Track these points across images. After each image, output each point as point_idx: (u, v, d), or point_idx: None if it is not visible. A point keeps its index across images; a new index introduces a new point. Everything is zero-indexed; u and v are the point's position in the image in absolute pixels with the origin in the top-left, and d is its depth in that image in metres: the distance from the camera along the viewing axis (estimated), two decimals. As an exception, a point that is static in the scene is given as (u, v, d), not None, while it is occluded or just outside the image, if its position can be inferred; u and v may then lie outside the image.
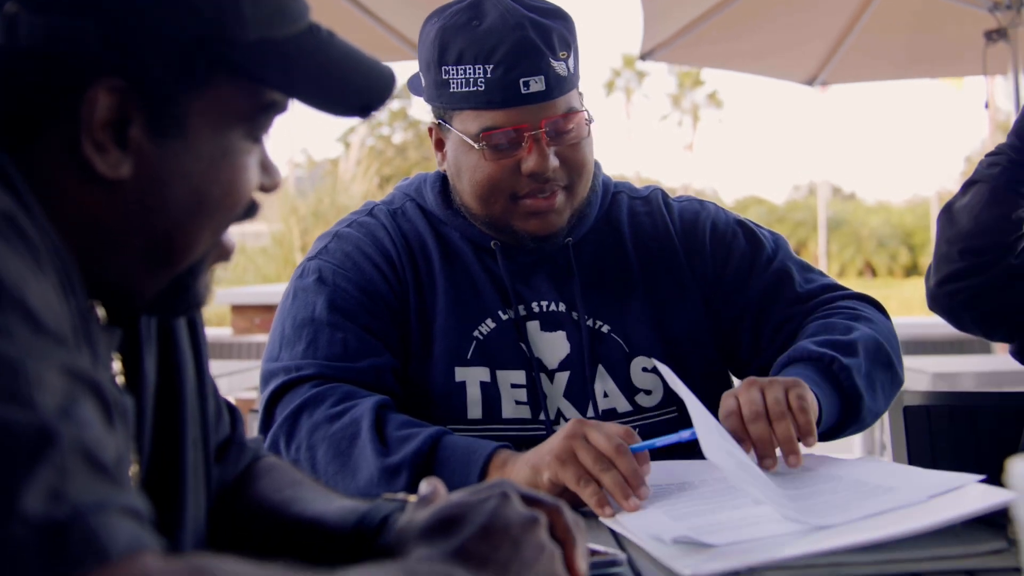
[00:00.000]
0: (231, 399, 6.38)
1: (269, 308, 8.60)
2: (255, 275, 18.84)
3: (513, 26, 1.86)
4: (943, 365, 5.04)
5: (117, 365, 1.10)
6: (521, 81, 1.85)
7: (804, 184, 65.31)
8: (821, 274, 2.16)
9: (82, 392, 0.79)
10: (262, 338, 6.44)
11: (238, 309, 8.66)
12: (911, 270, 45.82)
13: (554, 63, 1.88)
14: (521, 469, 1.63)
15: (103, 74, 0.94)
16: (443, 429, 1.77)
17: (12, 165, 0.92)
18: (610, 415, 1.95)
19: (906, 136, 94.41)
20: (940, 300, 2.31)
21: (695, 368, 2.01)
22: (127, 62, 0.95)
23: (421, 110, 51.04)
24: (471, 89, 1.88)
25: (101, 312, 1.06)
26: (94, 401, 0.80)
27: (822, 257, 45.11)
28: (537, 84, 1.86)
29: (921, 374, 4.78)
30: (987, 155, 2.31)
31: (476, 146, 1.90)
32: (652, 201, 2.16)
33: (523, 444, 1.74)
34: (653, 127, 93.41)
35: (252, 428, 3.83)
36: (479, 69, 1.86)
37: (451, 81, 1.90)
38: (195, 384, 1.24)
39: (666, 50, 6.32)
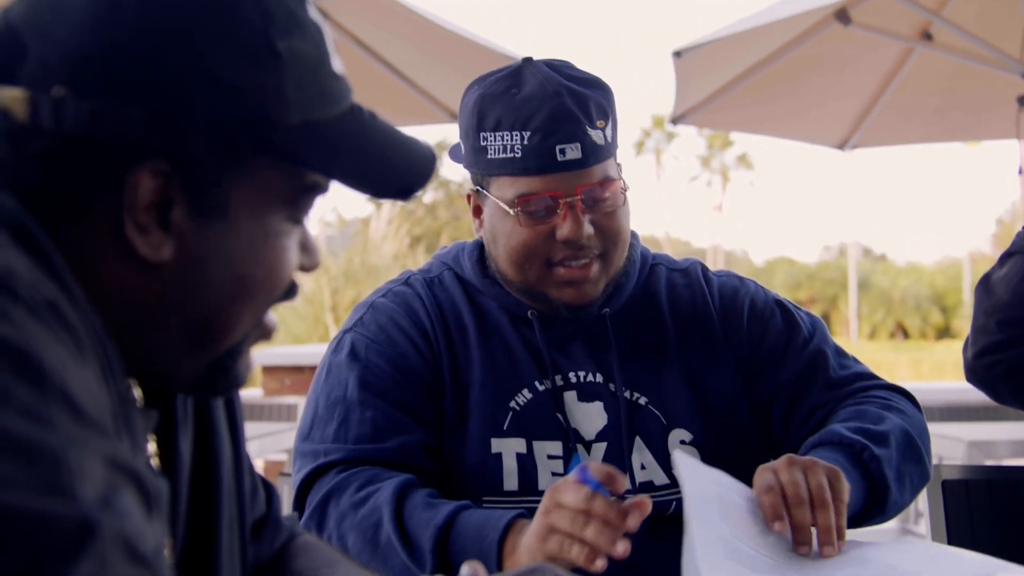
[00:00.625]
0: (261, 461, 6.39)
1: (299, 369, 8.62)
2: (285, 334, 18.92)
3: (551, 94, 1.87)
4: (979, 432, 4.99)
5: (153, 446, 1.09)
6: (557, 148, 1.85)
7: (834, 245, 65.32)
8: (856, 361, 2.14)
9: (122, 482, 0.78)
10: (292, 399, 6.44)
11: (268, 370, 8.67)
12: (943, 332, 45.57)
13: (591, 131, 1.88)
14: (523, 557, 1.62)
15: (147, 157, 0.94)
16: (462, 504, 1.76)
17: (55, 247, 0.92)
18: (647, 487, 1.93)
19: (936, 197, 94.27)
20: (978, 372, 2.29)
21: (732, 441, 1.99)
22: (171, 146, 0.95)
23: (451, 170, 51.41)
24: (508, 156, 1.88)
25: (138, 392, 1.06)
26: (134, 491, 0.79)
27: (852, 319, 44.96)
28: (573, 152, 1.86)
29: (957, 442, 4.73)
30: None
31: (511, 212, 1.90)
32: (691, 273, 2.15)
33: None
34: (682, 188, 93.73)
35: (283, 491, 3.82)
36: (516, 136, 1.87)
37: (488, 148, 1.90)
38: (231, 462, 1.23)
39: (697, 114, 6.34)
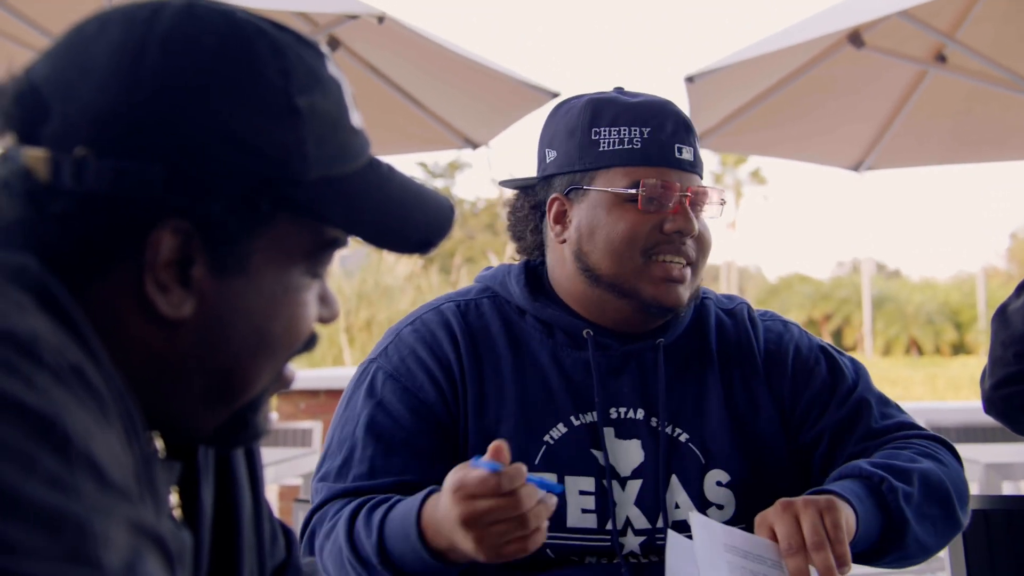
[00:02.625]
0: (276, 487, 6.38)
1: (315, 393, 8.63)
2: (300, 357, 18.95)
3: (663, 103, 2.01)
4: (996, 454, 4.96)
5: (175, 498, 1.10)
6: (675, 146, 1.95)
7: (848, 261, 65.22)
8: (899, 410, 2.14)
9: (146, 547, 0.79)
10: (308, 424, 6.44)
11: (283, 395, 8.66)
12: (958, 348, 45.42)
13: (696, 143, 1.99)
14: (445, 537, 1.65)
15: (168, 216, 0.95)
16: (389, 507, 1.80)
17: (77, 307, 0.92)
18: (680, 527, 1.91)
19: (950, 212, 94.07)
20: (996, 404, 2.29)
21: (769, 484, 1.98)
22: (192, 204, 0.96)
23: (463, 190, 51.34)
24: (626, 147, 1.95)
25: (160, 444, 1.06)
26: (157, 555, 0.80)
27: (867, 335, 44.85)
28: (687, 154, 1.97)
29: (973, 464, 4.69)
30: None
31: (629, 193, 1.94)
32: (738, 315, 2.16)
33: (586, 554, 1.80)
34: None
35: (299, 517, 3.81)
36: (635, 131, 1.95)
37: (602, 141, 1.97)
38: (251, 511, 1.24)
39: (712, 137, 6.34)
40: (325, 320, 1.12)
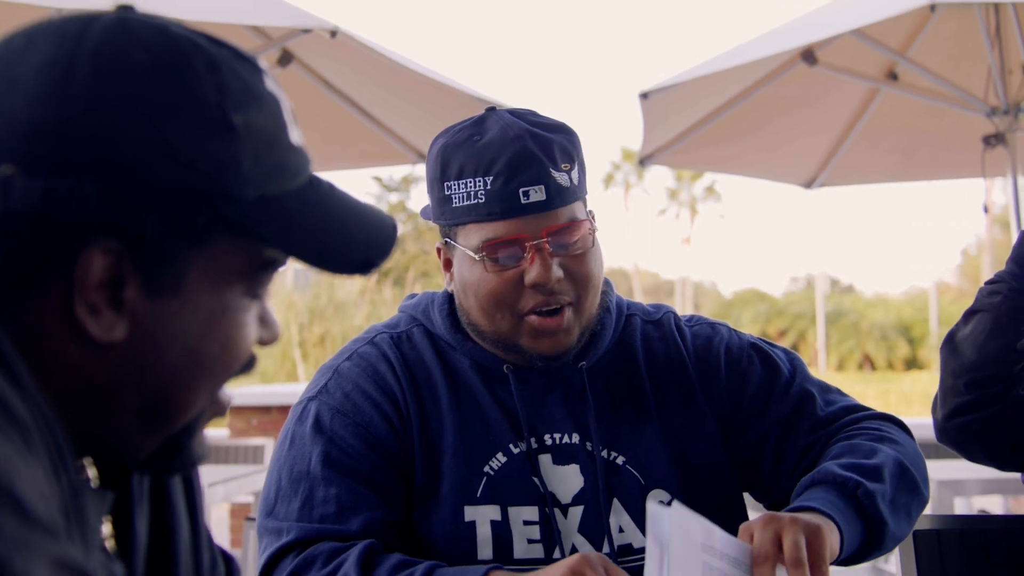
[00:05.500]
0: (227, 505, 6.30)
1: (267, 409, 8.56)
2: (250, 374, 18.79)
3: (512, 138, 1.85)
4: (948, 471, 4.96)
5: (108, 529, 1.06)
6: (521, 191, 1.83)
7: (802, 276, 65.65)
8: (841, 394, 2.11)
9: None
10: (260, 441, 6.37)
11: (235, 411, 8.60)
12: (911, 363, 45.81)
13: (555, 173, 1.85)
14: None
15: (99, 235, 0.91)
16: (433, 564, 1.72)
17: (4, 327, 0.89)
18: (626, 551, 1.89)
19: (903, 229, 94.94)
20: (949, 433, 2.28)
21: (712, 498, 1.95)
22: (124, 222, 0.92)
23: (418, 204, 51.43)
24: (472, 202, 1.85)
25: (93, 473, 1.03)
26: None
27: (821, 350, 45.17)
28: (537, 194, 1.83)
29: (926, 481, 4.70)
30: (987, 283, 2.29)
31: (477, 258, 1.87)
32: (664, 325, 2.11)
33: None
34: (651, 220, 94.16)
35: (249, 536, 3.76)
36: (479, 182, 1.84)
37: (453, 196, 1.88)
38: (189, 539, 1.20)
39: (665, 154, 6.36)
40: (265, 342, 1.09)
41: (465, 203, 1.86)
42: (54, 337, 0.93)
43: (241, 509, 7.58)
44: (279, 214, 1.00)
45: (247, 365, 1.06)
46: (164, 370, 0.98)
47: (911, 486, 1.90)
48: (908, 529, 1.90)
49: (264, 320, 1.08)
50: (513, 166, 1.83)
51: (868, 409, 2.07)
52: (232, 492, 5.36)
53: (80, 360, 0.94)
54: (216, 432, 9.52)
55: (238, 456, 6.33)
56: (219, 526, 7.87)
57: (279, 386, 11.53)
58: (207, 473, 5.25)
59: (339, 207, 1.06)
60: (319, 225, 1.03)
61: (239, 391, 9.03)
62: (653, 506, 1.51)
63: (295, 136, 1.05)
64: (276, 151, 1.01)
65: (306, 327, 17.68)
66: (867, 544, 1.82)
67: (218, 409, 1.07)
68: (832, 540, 1.68)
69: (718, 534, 1.58)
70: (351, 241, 1.05)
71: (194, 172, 0.94)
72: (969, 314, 2.26)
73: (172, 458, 1.05)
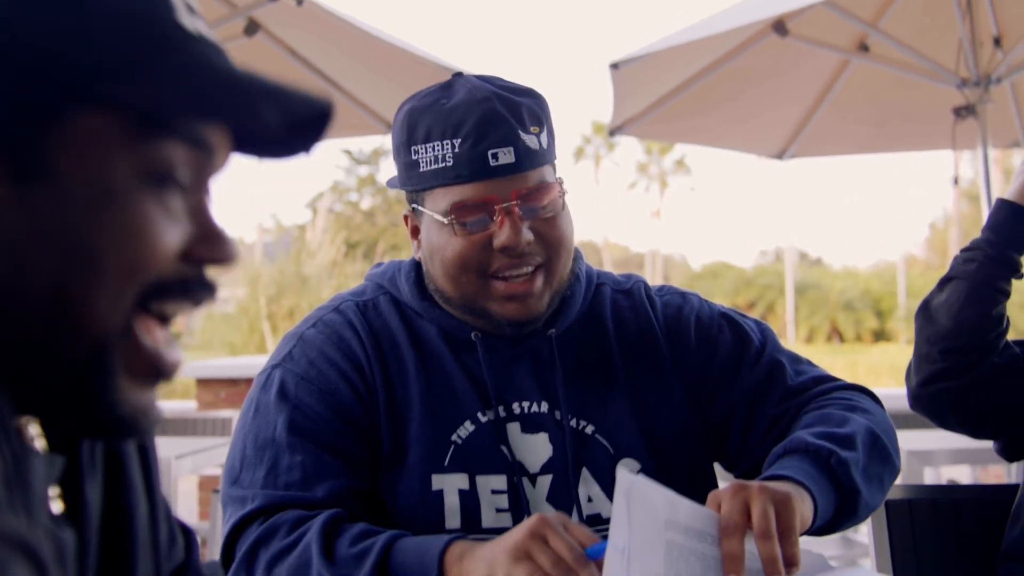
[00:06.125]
0: (195, 477, 6.27)
1: (235, 381, 8.53)
2: (220, 344, 18.71)
3: (480, 100, 1.82)
4: (917, 441, 4.98)
5: (57, 495, 1.01)
6: (489, 153, 1.80)
7: (771, 249, 65.94)
8: (811, 364, 2.10)
9: (13, 560, 0.72)
10: (228, 413, 6.34)
11: (203, 383, 8.57)
12: (879, 335, 46.13)
13: (524, 136, 1.83)
14: (478, 566, 1.56)
15: None
16: (395, 534, 1.69)
17: None
18: (595, 520, 1.87)
19: (871, 202, 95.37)
20: (923, 401, 2.27)
21: (681, 468, 1.94)
22: None
23: (388, 175, 51.29)
24: (440, 166, 1.83)
25: (42, 441, 0.98)
26: (27, 567, 0.73)
27: (790, 323, 45.44)
28: (506, 156, 1.81)
29: (895, 452, 4.71)
30: (962, 250, 2.28)
31: (446, 222, 1.85)
32: (635, 294, 2.09)
33: None
34: (621, 193, 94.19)
35: (217, 509, 3.73)
36: (447, 145, 1.82)
37: (420, 161, 1.85)
38: (147, 512, 1.16)
39: (636, 125, 6.33)
40: (215, 259, 0.95)
41: (432, 167, 1.84)
42: None
43: (209, 481, 7.55)
44: (153, 75, 0.87)
45: (187, 288, 0.93)
46: (46, 267, 0.86)
47: (883, 455, 1.89)
48: (880, 499, 1.89)
49: (205, 231, 0.95)
50: (481, 128, 1.81)
51: (838, 380, 2.06)
52: (200, 464, 5.32)
53: None
54: (184, 404, 9.48)
55: (206, 428, 6.30)
56: (187, 499, 7.84)
57: (247, 358, 11.47)
58: (175, 446, 5.22)
59: (239, 70, 0.90)
60: (210, 81, 0.88)
61: (207, 364, 8.99)
62: (622, 474, 1.48)
63: (188, 20, 0.93)
64: (149, 25, 0.90)
65: (274, 300, 17.59)
66: (840, 513, 1.81)
67: (141, 354, 0.92)
68: (803, 509, 1.66)
69: (684, 506, 1.55)
70: (258, 97, 0.89)
71: (39, 40, 0.85)
72: (944, 281, 2.25)
73: (93, 407, 0.92)
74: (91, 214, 0.87)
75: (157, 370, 0.93)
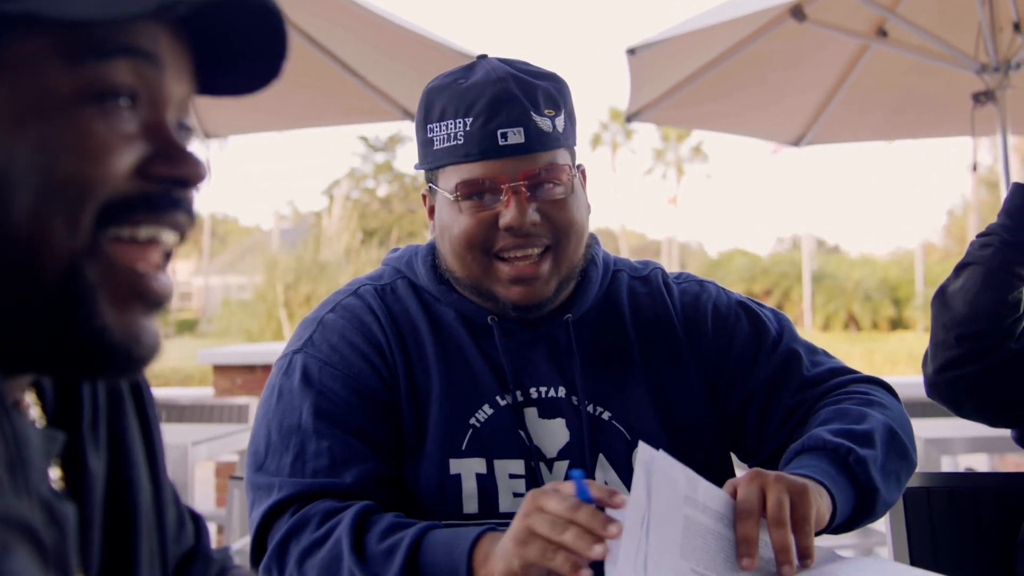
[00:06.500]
0: (212, 464, 6.27)
1: (251, 368, 8.54)
2: (238, 331, 18.77)
3: (496, 80, 1.84)
4: (935, 429, 4.96)
5: (58, 472, 1.00)
6: (499, 132, 1.81)
7: (788, 236, 65.77)
8: (827, 355, 2.09)
9: (14, 540, 0.71)
10: (244, 400, 6.35)
11: (220, 370, 8.58)
12: (896, 323, 45.98)
13: (536, 117, 1.83)
14: (497, 564, 1.56)
15: None
16: (423, 527, 1.68)
17: None
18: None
19: (889, 189, 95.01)
20: (940, 388, 2.25)
21: (698, 455, 1.92)
22: None
23: (405, 162, 51.34)
24: (451, 144, 1.84)
25: (38, 413, 0.97)
26: (28, 548, 0.73)
27: (807, 311, 45.32)
28: (516, 136, 1.82)
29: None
30: (978, 235, 2.26)
31: (453, 199, 1.85)
32: (652, 281, 2.09)
33: None
34: (638, 181, 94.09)
35: (234, 495, 3.73)
36: (459, 123, 1.83)
37: (435, 139, 1.87)
38: (150, 493, 1.15)
39: (652, 111, 6.31)
40: (177, 176, 0.92)
41: (445, 145, 1.86)
42: None
43: (226, 468, 7.56)
44: None
45: (156, 202, 0.91)
46: None
47: (901, 451, 1.88)
48: (897, 495, 1.89)
49: (163, 146, 0.92)
50: (492, 107, 1.82)
51: (855, 372, 2.05)
52: (216, 451, 5.33)
53: None
54: (201, 391, 9.51)
55: (223, 415, 6.31)
56: (204, 485, 7.86)
57: (264, 345, 11.50)
58: (192, 432, 5.22)
59: None
60: None
61: (224, 351, 9.00)
62: (644, 447, 1.48)
63: None
64: None
65: (291, 287, 17.64)
66: (858, 511, 1.80)
67: (123, 274, 0.90)
68: (820, 504, 1.65)
69: (703, 486, 1.55)
70: None
71: None
72: (961, 267, 2.24)
73: (76, 336, 0.88)
74: (31, 137, 0.84)
75: (140, 292, 0.91)
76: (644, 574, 1.42)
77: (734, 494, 1.60)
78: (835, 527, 1.75)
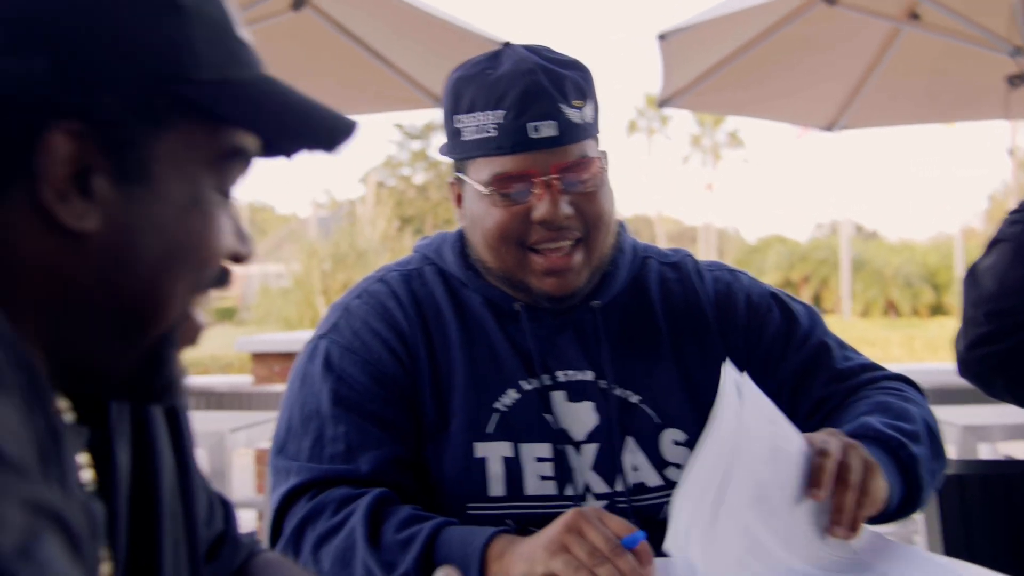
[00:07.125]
0: (251, 451, 6.29)
1: (289, 356, 8.56)
2: (276, 319, 18.84)
3: (525, 72, 1.84)
4: (973, 416, 4.92)
5: (87, 465, 1.03)
6: (530, 125, 1.82)
7: (826, 222, 65.36)
8: (856, 352, 2.09)
9: (45, 527, 0.73)
10: (282, 387, 6.38)
11: (258, 357, 8.62)
12: (936, 309, 45.57)
13: (566, 109, 1.84)
14: (517, 562, 1.58)
15: (59, 117, 0.89)
16: (440, 522, 1.71)
17: None
18: (640, 489, 1.88)
19: (928, 174, 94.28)
20: (970, 366, 2.24)
21: None
22: (83, 102, 0.90)
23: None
24: (482, 136, 1.85)
25: (67, 408, 1.00)
26: (58, 536, 0.74)
27: (846, 297, 44.99)
28: (548, 129, 1.82)
29: (950, 427, 4.65)
30: (1010, 212, 2.25)
31: (486, 192, 1.87)
32: (682, 268, 2.10)
33: (547, 522, 1.67)
34: (674, 167, 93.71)
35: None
36: (490, 115, 1.83)
37: (463, 130, 1.87)
38: (176, 481, 1.18)
39: (684, 97, 6.29)
40: (241, 257, 1.06)
41: (475, 137, 1.86)
42: (27, 233, 0.90)
43: (264, 455, 7.52)
44: (238, 94, 0.99)
45: (222, 277, 1.05)
46: (139, 263, 0.95)
47: (938, 452, 1.90)
48: (931, 494, 1.90)
49: (238, 232, 1.06)
50: (524, 100, 1.82)
51: (884, 369, 2.06)
52: (255, 438, 5.37)
53: (54, 257, 0.91)
54: (239, 379, 9.55)
55: (261, 403, 6.34)
56: (243, 472, 7.91)
57: (302, 332, 11.54)
58: (230, 419, 5.26)
59: (298, 95, 1.04)
60: (280, 105, 1.02)
61: (262, 339, 9.05)
62: (729, 368, 1.57)
63: (244, 33, 1.03)
64: (227, 39, 1.00)
65: (329, 275, 17.70)
66: (902, 506, 1.81)
67: (191, 330, 1.04)
68: (880, 486, 1.68)
69: (782, 417, 1.61)
70: (314, 119, 1.03)
71: (145, 50, 0.93)
72: (991, 244, 2.23)
73: (151, 376, 1.02)
74: (182, 219, 0.97)
75: (193, 340, 1.05)
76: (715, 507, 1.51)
77: (826, 445, 1.65)
78: (880, 518, 1.76)
